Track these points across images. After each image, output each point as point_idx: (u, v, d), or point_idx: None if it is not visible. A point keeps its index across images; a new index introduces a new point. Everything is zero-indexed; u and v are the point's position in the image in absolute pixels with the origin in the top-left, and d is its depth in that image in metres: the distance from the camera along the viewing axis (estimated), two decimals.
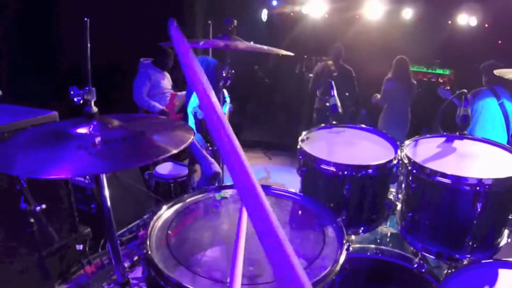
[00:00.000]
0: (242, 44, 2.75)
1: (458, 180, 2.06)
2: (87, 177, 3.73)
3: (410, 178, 2.26)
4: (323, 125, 2.88)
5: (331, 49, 6.96)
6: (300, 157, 2.49)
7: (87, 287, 3.36)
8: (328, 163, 2.31)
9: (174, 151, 1.41)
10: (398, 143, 2.56)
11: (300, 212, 2.06)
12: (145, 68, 5.57)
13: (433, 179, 2.13)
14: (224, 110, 3.95)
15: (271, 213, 0.64)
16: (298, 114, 7.87)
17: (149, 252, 1.61)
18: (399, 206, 2.53)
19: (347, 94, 6.40)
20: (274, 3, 9.05)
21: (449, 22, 8.59)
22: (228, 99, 4.31)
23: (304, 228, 1.91)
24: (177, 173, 4.11)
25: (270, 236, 0.65)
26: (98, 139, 1.43)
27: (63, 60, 4.88)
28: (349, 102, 6.64)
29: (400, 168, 2.42)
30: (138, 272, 3.18)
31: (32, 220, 2.49)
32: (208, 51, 5.52)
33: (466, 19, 8.11)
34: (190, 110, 4.32)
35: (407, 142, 2.52)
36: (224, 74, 3.04)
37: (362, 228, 2.47)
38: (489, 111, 4.93)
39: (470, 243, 2.14)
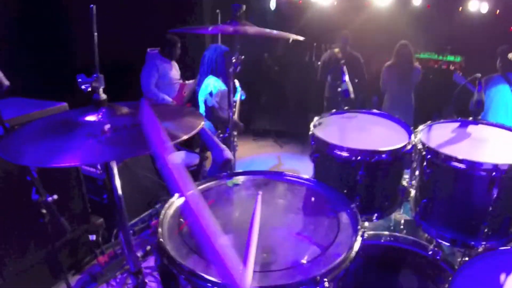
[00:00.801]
0: (251, 29, 2.73)
1: (473, 165, 2.03)
2: (99, 167, 3.74)
3: (425, 164, 2.23)
4: (334, 110, 2.85)
5: (338, 36, 6.91)
6: (313, 142, 2.46)
7: (101, 277, 3.37)
8: (341, 148, 2.27)
9: (185, 137, 1.39)
10: (411, 128, 2.52)
11: (313, 198, 2.04)
12: (153, 58, 5.51)
13: (447, 164, 2.09)
14: (235, 98, 3.93)
15: None
16: (308, 102, 7.84)
17: (161, 240, 1.60)
18: (413, 192, 2.50)
19: (356, 80, 6.35)
20: None
21: (460, 8, 8.47)
22: (239, 88, 4.29)
23: (318, 215, 1.88)
24: (189, 161, 4.10)
25: None
26: (107, 126, 1.41)
27: (73, 51, 4.87)
28: (359, 89, 6.59)
29: (414, 154, 2.38)
30: (151, 261, 3.19)
31: (44, 211, 2.49)
32: (217, 39, 5.52)
33: (477, 5, 8.00)
34: (201, 98, 4.31)
35: (420, 127, 2.49)
36: (234, 60, 3.01)
37: (375, 215, 2.44)
38: (502, 97, 4.87)
39: (485, 230, 2.11)
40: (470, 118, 2.61)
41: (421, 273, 2.39)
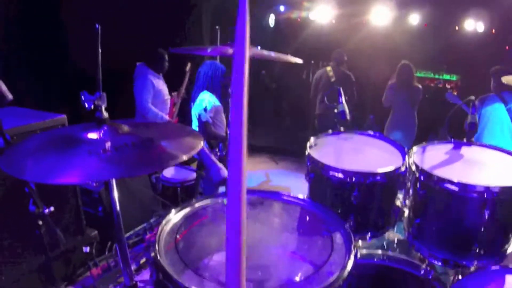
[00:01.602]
0: (250, 51, 2.76)
1: (465, 187, 2.06)
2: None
3: (418, 185, 2.26)
4: (330, 131, 2.88)
5: (332, 54, 6.97)
6: (308, 163, 2.49)
7: None
8: (336, 169, 2.31)
9: (184, 158, 1.42)
10: (406, 149, 2.56)
11: (308, 218, 2.06)
12: (145, 73, 5.19)
13: (440, 186, 2.13)
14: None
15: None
16: (305, 119, 7.88)
17: (158, 257, 1.62)
18: (406, 212, 2.52)
19: (346, 98, 6.40)
20: (282, 8, 9.06)
21: (456, 27, 8.58)
22: None
23: (312, 234, 1.91)
24: (184, 177, 4.13)
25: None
26: (108, 145, 1.44)
27: (71, 63, 4.90)
28: (349, 107, 6.64)
29: (407, 175, 2.42)
30: (145, 275, 3.20)
31: (40, 223, 2.50)
32: (215, 56, 5.52)
33: (473, 25, 8.10)
34: (194, 112, 4.33)
35: (414, 148, 2.52)
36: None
37: (369, 234, 2.47)
38: (497, 117, 4.92)
39: (477, 250, 2.14)
40: (464, 140, 2.65)
41: None
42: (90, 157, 1.36)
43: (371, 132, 2.90)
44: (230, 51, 2.70)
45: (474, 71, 7.45)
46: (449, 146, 2.62)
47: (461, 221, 2.16)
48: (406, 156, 2.46)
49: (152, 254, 1.65)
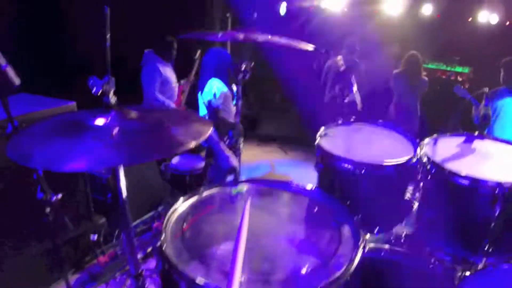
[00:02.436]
0: (261, 37, 2.73)
1: (476, 182, 2.03)
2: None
3: (428, 178, 2.23)
4: (340, 121, 2.85)
5: (344, 44, 6.92)
6: (318, 153, 2.47)
7: (100, 277, 3.38)
8: (346, 160, 2.28)
9: (193, 144, 1.40)
10: (417, 141, 2.52)
11: (316, 209, 2.04)
12: (153, 60, 5.12)
13: (451, 180, 2.10)
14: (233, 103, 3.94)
15: None
16: (315, 108, 7.83)
17: (164, 246, 1.61)
18: (415, 206, 2.49)
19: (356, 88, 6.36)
20: None
21: (470, 19, 8.47)
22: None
23: (320, 226, 1.89)
24: (193, 165, 4.10)
25: None
26: (115, 130, 1.42)
27: (83, 49, 4.88)
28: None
29: (418, 166, 2.38)
30: (151, 263, 3.20)
31: (48, 210, 2.50)
32: (226, 44, 5.48)
33: (487, 16, 7.98)
34: (202, 100, 4.30)
35: (426, 140, 2.49)
36: (243, 67, 3.01)
37: (377, 228, 2.44)
38: (508, 110, 4.86)
39: (487, 247, 2.11)
40: (476, 133, 2.61)
41: (421, 287, 2.39)
42: (96, 144, 1.34)
43: (382, 122, 2.86)
44: (240, 36, 2.67)
45: (487, 63, 7.33)
46: (461, 138, 2.58)
47: (471, 216, 2.14)
48: (418, 148, 2.42)
49: (158, 244, 1.64)
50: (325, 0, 8.50)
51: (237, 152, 3.12)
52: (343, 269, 1.53)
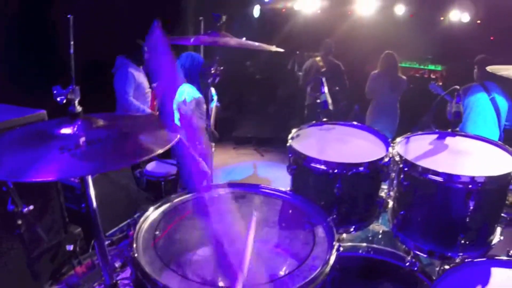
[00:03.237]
0: (232, 41, 2.73)
1: (450, 178, 2.04)
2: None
3: (402, 176, 2.24)
4: (313, 122, 2.85)
5: (321, 45, 6.97)
6: (290, 155, 2.46)
7: (78, 287, 3.33)
8: (318, 161, 2.28)
9: (160, 151, 1.38)
10: (389, 140, 2.54)
11: (290, 211, 2.04)
12: (126, 66, 5.05)
13: (425, 177, 2.11)
14: (212, 106, 3.92)
15: None
16: (290, 110, 7.86)
17: (136, 255, 1.58)
18: (390, 203, 2.51)
19: (337, 88, 6.41)
20: None
21: (442, 18, 8.60)
22: (215, 97, 4.27)
23: (294, 228, 1.89)
24: (168, 171, 4.08)
25: None
26: (82, 140, 1.40)
27: (52, 57, 4.81)
28: (340, 97, 6.65)
29: (391, 166, 2.40)
30: (129, 272, 3.16)
31: (20, 222, 2.46)
32: (199, 48, 5.45)
33: (458, 15, 8.11)
34: (174, 105, 4.28)
35: (398, 139, 2.50)
36: (212, 71, 3.00)
37: (353, 226, 2.44)
38: (480, 106, 4.93)
39: (463, 241, 2.12)
40: (449, 130, 2.63)
41: (398, 284, 2.40)
42: (63, 154, 1.32)
43: (354, 123, 2.87)
44: (213, 40, 2.67)
45: (459, 61, 7.47)
46: (433, 136, 2.59)
47: (446, 212, 2.15)
48: (390, 147, 2.43)
49: (130, 253, 1.61)
50: (299, 2, 8.54)
51: (208, 158, 3.10)
52: (318, 270, 1.53)
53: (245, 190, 2.17)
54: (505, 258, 1.91)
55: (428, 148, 2.44)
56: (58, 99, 1.47)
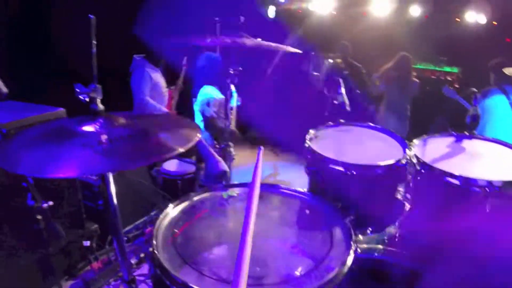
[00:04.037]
0: (249, 41, 2.74)
1: (467, 181, 2.04)
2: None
3: (419, 178, 2.24)
4: (330, 123, 2.86)
5: (338, 47, 6.94)
6: (308, 156, 2.47)
7: (94, 283, 3.36)
8: (336, 162, 2.28)
9: (181, 150, 1.40)
10: (406, 142, 2.53)
11: (308, 211, 2.05)
12: (143, 66, 5.03)
13: (441, 179, 2.10)
14: (232, 104, 3.93)
15: None
16: (305, 111, 7.83)
17: (155, 251, 1.60)
18: (407, 206, 2.50)
19: (358, 92, 6.37)
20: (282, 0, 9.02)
21: (457, 19, 8.52)
22: (235, 94, 4.28)
23: (312, 228, 1.90)
24: (184, 170, 4.09)
25: None
26: (104, 137, 1.42)
27: (71, 56, 4.86)
28: (367, 100, 6.60)
29: (408, 167, 2.39)
30: (145, 269, 3.19)
31: (39, 217, 2.49)
32: (215, 49, 5.46)
33: (474, 17, 8.03)
34: (197, 108, 4.29)
35: (415, 141, 2.50)
36: (231, 72, 3.02)
37: (370, 228, 2.45)
38: (500, 111, 4.87)
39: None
40: (465, 133, 2.62)
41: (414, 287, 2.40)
42: (85, 150, 1.34)
43: (371, 124, 2.87)
44: (229, 41, 2.68)
45: (475, 63, 7.38)
46: (450, 139, 2.59)
47: (462, 215, 2.14)
48: (407, 149, 2.43)
49: (150, 249, 1.63)
50: (314, 2, 8.52)
51: (227, 156, 3.12)
52: (335, 271, 1.53)
53: (263, 190, 2.18)
54: None
55: (445, 150, 2.44)
56: (81, 97, 1.50)
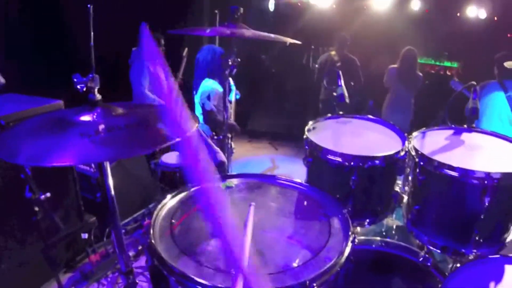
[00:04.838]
0: (248, 32, 2.73)
1: (466, 173, 2.03)
2: (93, 165, 3.73)
3: (417, 170, 2.23)
4: (329, 115, 2.85)
5: (335, 38, 6.93)
6: (307, 147, 2.47)
7: (92, 276, 3.37)
8: (334, 153, 2.28)
9: (178, 139, 1.39)
10: (405, 134, 2.53)
11: (305, 202, 2.05)
12: (141, 58, 4.92)
13: (440, 171, 2.10)
14: (230, 98, 3.92)
15: None
16: (305, 104, 7.83)
17: (153, 241, 1.60)
18: (405, 198, 2.50)
19: (352, 83, 6.37)
20: None
21: (458, 14, 8.50)
22: (234, 87, 4.27)
23: (310, 219, 1.89)
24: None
25: None
26: (101, 127, 1.42)
27: (68, 47, 4.84)
28: (355, 92, 6.61)
29: (407, 160, 2.39)
30: (143, 261, 3.19)
31: (36, 209, 2.50)
32: (214, 40, 5.45)
33: (475, 11, 8.02)
34: (197, 100, 4.28)
35: (414, 133, 2.49)
36: (230, 63, 3.01)
37: (367, 220, 2.45)
38: (496, 104, 4.86)
39: (477, 238, 2.11)
40: (465, 125, 2.61)
41: (411, 279, 2.40)
42: (82, 139, 1.33)
43: (370, 116, 2.86)
44: (228, 31, 2.67)
45: (476, 58, 7.38)
46: (449, 131, 2.58)
47: (461, 207, 2.14)
48: (406, 141, 2.42)
49: (148, 240, 1.63)
50: None
51: (226, 148, 3.11)
52: (332, 261, 1.54)
53: (261, 181, 2.18)
54: None
55: (444, 143, 2.43)
56: (78, 86, 1.49)
